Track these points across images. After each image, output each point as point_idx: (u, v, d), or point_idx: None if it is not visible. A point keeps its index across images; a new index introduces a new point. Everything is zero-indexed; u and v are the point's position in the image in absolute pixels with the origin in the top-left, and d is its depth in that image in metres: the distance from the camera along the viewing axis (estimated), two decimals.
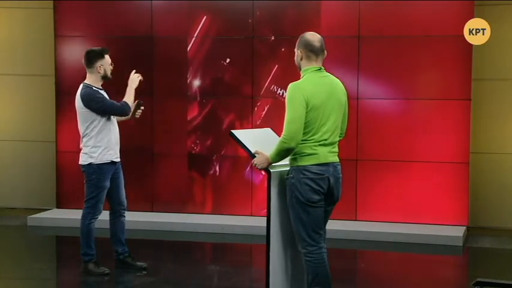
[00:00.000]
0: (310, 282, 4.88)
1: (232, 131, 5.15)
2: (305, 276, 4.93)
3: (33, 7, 9.29)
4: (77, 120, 6.36)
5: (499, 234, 8.21)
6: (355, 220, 8.32)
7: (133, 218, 8.03)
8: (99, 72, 6.30)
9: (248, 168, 8.46)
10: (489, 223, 8.44)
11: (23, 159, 9.45)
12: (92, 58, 6.30)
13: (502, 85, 8.42)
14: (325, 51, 4.93)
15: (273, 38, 8.47)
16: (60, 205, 9.02)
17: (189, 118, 8.72)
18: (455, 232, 7.83)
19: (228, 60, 8.59)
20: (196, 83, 8.69)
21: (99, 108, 6.22)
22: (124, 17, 8.83)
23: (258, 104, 8.52)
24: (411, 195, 8.20)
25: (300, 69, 4.94)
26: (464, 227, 8.03)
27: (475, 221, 8.34)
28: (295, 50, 4.93)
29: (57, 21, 8.94)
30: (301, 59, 4.91)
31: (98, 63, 6.29)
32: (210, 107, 8.67)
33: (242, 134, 5.16)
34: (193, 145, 8.74)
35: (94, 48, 6.43)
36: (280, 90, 8.39)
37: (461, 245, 7.68)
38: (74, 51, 8.86)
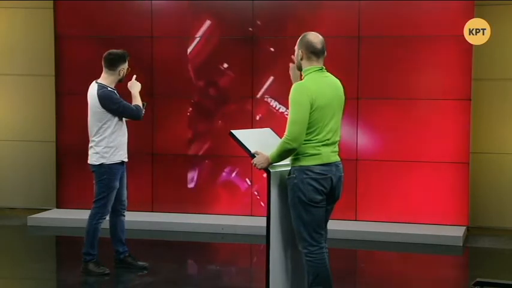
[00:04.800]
0: (311, 282, 4.88)
1: (232, 131, 5.14)
2: (305, 276, 4.93)
3: (33, 7, 9.29)
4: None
5: (499, 234, 8.22)
6: (355, 220, 8.32)
7: (133, 218, 8.04)
8: (119, 75, 6.35)
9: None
10: (489, 223, 8.44)
11: (23, 159, 9.45)
12: (114, 61, 6.33)
13: (502, 85, 8.42)
14: (326, 52, 4.92)
15: (272, 38, 8.46)
16: (60, 205, 9.02)
17: (189, 118, 8.72)
18: (455, 232, 7.83)
19: (228, 60, 8.59)
20: (196, 83, 8.69)
21: (117, 109, 6.25)
22: (124, 17, 8.83)
23: (258, 104, 8.52)
24: (411, 195, 8.19)
25: (300, 69, 4.94)
26: (464, 227, 8.03)
27: (475, 221, 8.34)
28: (296, 48, 4.92)
29: (57, 21, 8.94)
30: (301, 59, 4.90)
31: (121, 67, 6.34)
32: (210, 107, 8.67)
33: (242, 134, 5.15)
34: (193, 145, 8.74)
35: (115, 50, 6.40)
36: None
37: (461, 245, 7.68)
38: (74, 51, 8.88)
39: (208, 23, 8.61)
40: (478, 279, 5.29)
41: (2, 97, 9.46)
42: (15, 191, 9.47)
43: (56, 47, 8.96)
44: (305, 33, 4.93)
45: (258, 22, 8.49)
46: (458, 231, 7.86)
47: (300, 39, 4.91)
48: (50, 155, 9.16)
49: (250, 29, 8.49)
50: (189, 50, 8.67)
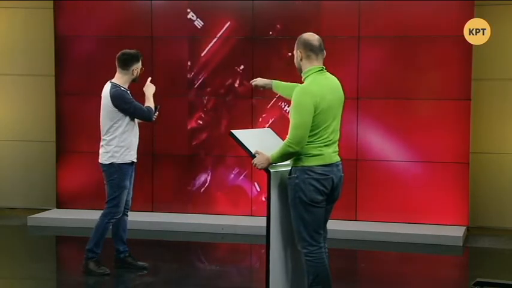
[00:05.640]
0: (310, 282, 4.88)
1: (232, 131, 5.15)
2: (305, 276, 4.93)
3: (33, 7, 9.29)
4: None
5: (499, 234, 8.22)
6: (355, 220, 8.32)
7: (133, 218, 8.01)
8: (132, 75, 6.38)
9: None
10: (489, 223, 8.44)
11: (23, 159, 9.46)
12: (128, 61, 6.36)
13: (502, 85, 8.42)
14: (324, 51, 4.92)
15: (273, 38, 8.47)
16: (60, 205, 9.02)
17: (189, 118, 8.73)
18: (455, 232, 7.83)
19: (228, 60, 8.59)
20: (197, 83, 8.69)
21: (128, 109, 6.28)
22: (124, 17, 8.83)
23: (258, 104, 8.52)
24: (411, 195, 8.19)
25: (301, 71, 4.92)
26: (464, 227, 8.04)
27: (475, 221, 8.34)
28: (295, 51, 4.92)
29: (57, 21, 8.94)
30: (301, 60, 4.90)
31: (134, 66, 6.37)
32: (210, 107, 8.67)
33: (242, 134, 5.16)
34: (193, 145, 8.74)
35: (129, 50, 6.43)
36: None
37: (461, 245, 7.68)
38: (74, 51, 8.88)
39: (208, 22, 8.61)
40: (478, 279, 5.29)
41: (2, 97, 9.46)
42: (15, 191, 9.47)
43: (56, 47, 8.96)
44: (301, 34, 4.95)
45: (258, 22, 8.48)
46: (458, 231, 7.86)
47: (297, 41, 4.92)
48: (50, 155, 9.16)
49: (250, 28, 8.48)
50: (188, 50, 8.67)
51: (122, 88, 6.33)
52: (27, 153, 9.43)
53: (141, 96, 6.48)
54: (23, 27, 9.36)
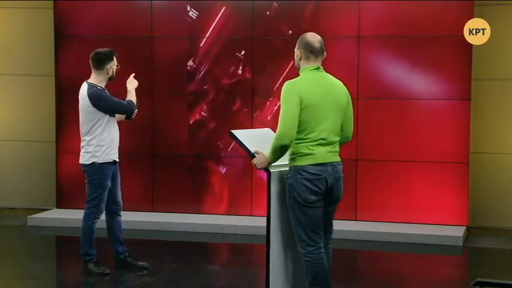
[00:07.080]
0: (309, 282, 4.87)
1: (232, 130, 5.16)
2: (305, 276, 4.92)
3: (33, 7, 9.29)
4: (77, 120, 6.36)
5: (499, 234, 8.22)
6: (355, 220, 8.32)
7: (133, 218, 8.04)
8: (108, 74, 6.35)
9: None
10: (489, 223, 8.44)
11: (23, 159, 9.46)
12: (101, 60, 6.32)
13: (502, 85, 8.42)
14: (325, 53, 4.94)
15: (272, 38, 8.46)
16: (60, 205, 9.02)
17: (189, 118, 8.72)
18: (455, 232, 7.84)
19: (228, 60, 8.59)
20: (196, 83, 8.69)
21: (108, 107, 6.25)
22: (124, 17, 8.82)
23: (258, 104, 8.52)
24: (411, 195, 8.19)
25: (299, 69, 4.95)
26: (464, 227, 8.04)
27: (475, 221, 8.34)
28: (295, 49, 4.94)
29: (57, 21, 8.94)
30: (300, 59, 4.92)
31: (108, 65, 6.33)
32: (210, 107, 8.67)
33: (242, 134, 5.16)
34: (193, 145, 8.73)
35: (102, 49, 6.39)
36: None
37: (461, 245, 7.68)
38: (74, 51, 8.87)
39: (208, 23, 8.61)
40: (478, 279, 5.28)
41: (2, 97, 9.46)
42: (15, 191, 9.47)
43: (56, 47, 8.96)
44: (304, 34, 4.97)
45: (258, 22, 8.48)
46: (458, 231, 7.86)
47: (299, 40, 4.94)
48: (50, 155, 9.16)
49: (250, 29, 8.48)
50: (188, 50, 8.67)
51: (99, 87, 6.30)
52: (27, 153, 9.43)
53: (124, 94, 6.44)
54: (23, 27, 9.36)
